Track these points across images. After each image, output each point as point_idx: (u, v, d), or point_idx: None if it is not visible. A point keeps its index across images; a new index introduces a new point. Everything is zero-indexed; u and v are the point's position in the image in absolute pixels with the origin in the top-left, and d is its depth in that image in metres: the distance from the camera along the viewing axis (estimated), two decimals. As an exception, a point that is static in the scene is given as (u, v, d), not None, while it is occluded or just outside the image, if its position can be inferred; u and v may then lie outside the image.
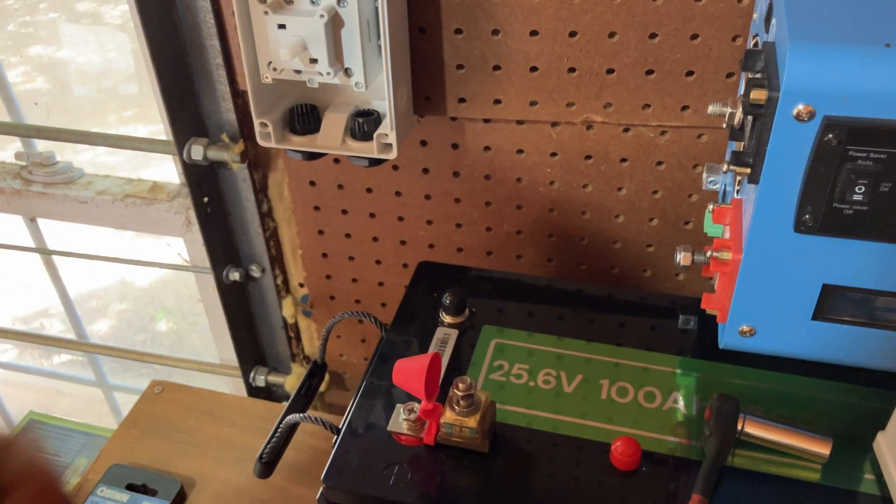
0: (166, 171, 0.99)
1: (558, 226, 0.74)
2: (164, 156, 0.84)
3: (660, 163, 0.68)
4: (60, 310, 1.20)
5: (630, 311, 0.60)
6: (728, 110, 0.46)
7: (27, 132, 0.84)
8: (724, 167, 0.46)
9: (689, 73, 0.62)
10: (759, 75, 0.41)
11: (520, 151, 0.70)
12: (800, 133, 0.40)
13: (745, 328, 0.50)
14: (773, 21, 0.44)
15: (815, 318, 0.48)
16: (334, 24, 0.58)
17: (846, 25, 0.41)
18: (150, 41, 0.66)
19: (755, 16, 0.54)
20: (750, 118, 0.44)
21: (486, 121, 0.69)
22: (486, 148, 0.71)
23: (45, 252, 1.04)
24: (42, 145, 0.94)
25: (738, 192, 0.51)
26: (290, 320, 0.90)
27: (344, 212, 0.79)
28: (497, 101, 0.67)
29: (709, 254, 0.48)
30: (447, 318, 0.59)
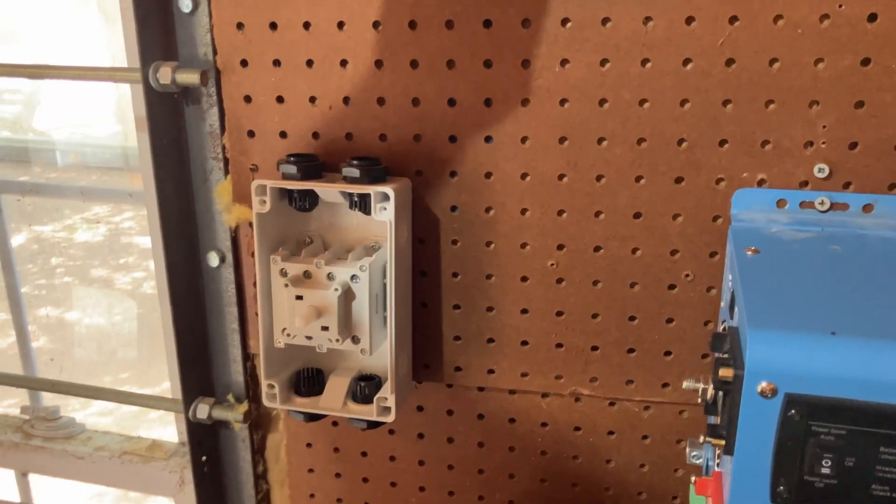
0: (156, 434, 1.01)
1: (550, 497, 0.75)
2: (153, 420, 0.87)
3: (645, 437, 0.71)
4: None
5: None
6: (701, 386, 0.50)
7: (42, 386, 0.88)
8: (702, 439, 0.49)
9: (668, 353, 0.67)
10: (726, 355, 0.47)
11: (511, 420, 0.74)
12: (765, 408, 0.44)
13: None
14: (736, 309, 0.51)
15: None
16: (346, 296, 0.64)
17: (798, 313, 0.47)
18: (175, 308, 0.72)
19: (722, 304, 0.60)
20: (721, 394, 0.49)
21: (481, 389, 0.73)
22: (480, 416, 0.74)
23: (26, 510, 1.02)
24: (46, 400, 0.97)
25: (717, 464, 0.54)
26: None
27: (337, 475, 0.80)
28: (491, 371, 0.71)
29: (694, 525, 0.50)
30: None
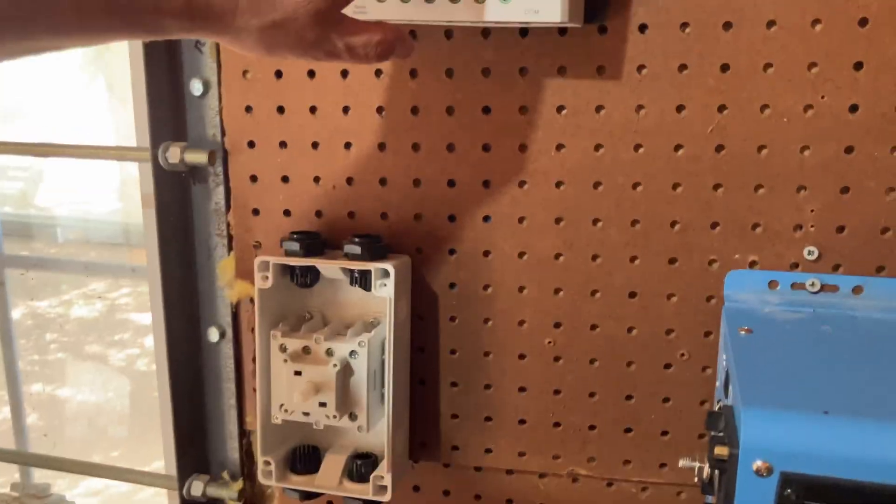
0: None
1: (546, 581, 0.74)
2: (142, 502, 0.85)
3: (643, 518, 0.71)
4: None
5: None
6: (697, 465, 0.50)
7: (35, 462, 0.87)
8: (700, 518, 0.49)
9: (664, 433, 0.68)
10: (721, 434, 0.47)
11: (509, 501, 0.73)
12: (761, 487, 0.44)
13: None
14: (731, 388, 0.51)
15: None
16: (345, 372, 0.65)
17: (792, 393, 0.48)
18: (174, 383, 0.72)
19: (717, 383, 0.61)
20: (717, 473, 0.49)
21: (478, 469, 0.73)
22: (477, 496, 0.74)
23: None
24: (38, 478, 0.96)
25: (717, 546, 0.54)
26: None
27: (331, 557, 0.79)
28: (488, 451, 0.71)
29: None
30: None
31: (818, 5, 0.57)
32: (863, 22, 0.56)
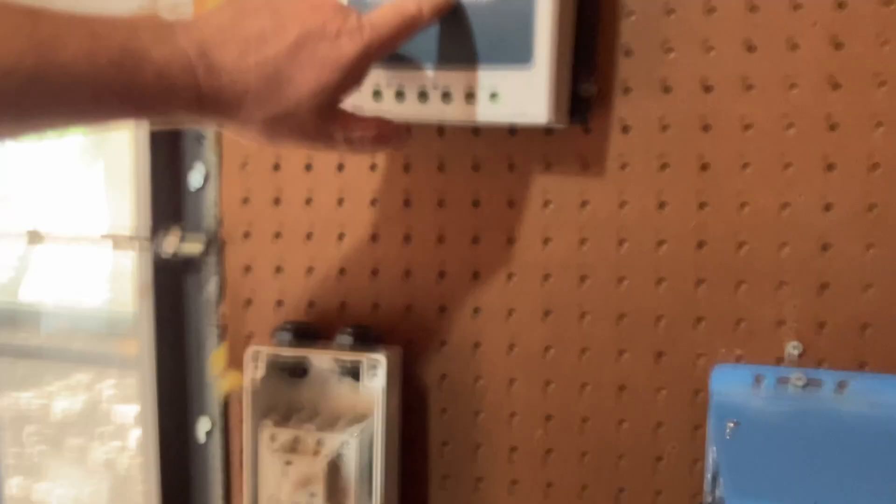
0: None
1: None
2: None
3: None
4: None
5: None
6: (688, 560, 0.50)
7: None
8: None
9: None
10: (711, 528, 0.47)
11: None
12: (753, 583, 0.44)
13: None
14: (720, 481, 0.52)
15: None
16: (334, 466, 0.64)
17: (779, 488, 0.48)
18: (162, 477, 0.72)
19: (707, 478, 0.61)
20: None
21: (467, 565, 0.71)
22: None
23: None
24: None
25: None
26: None
27: None
28: (477, 545, 0.70)
29: None
30: None
31: (790, 109, 0.60)
32: (833, 126, 0.59)
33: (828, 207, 0.60)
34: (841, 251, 0.60)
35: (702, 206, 0.62)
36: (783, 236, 0.61)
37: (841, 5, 0.58)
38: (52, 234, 0.80)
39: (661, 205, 0.63)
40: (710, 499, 0.56)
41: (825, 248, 0.60)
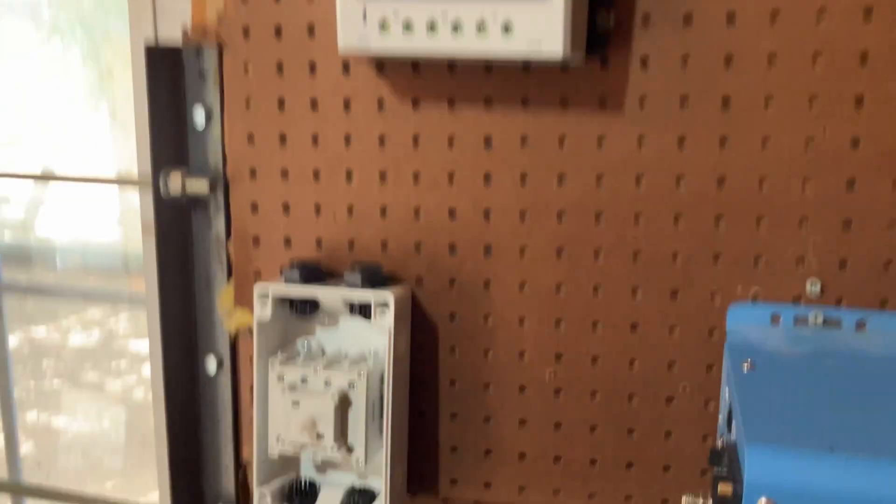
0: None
1: None
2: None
3: (645, 556, 0.69)
4: None
5: None
6: (700, 501, 0.50)
7: (26, 492, 0.86)
8: (703, 557, 0.48)
9: (666, 468, 0.67)
10: (724, 470, 0.46)
11: (508, 536, 0.72)
12: (767, 525, 0.44)
13: None
14: (734, 423, 0.51)
15: None
16: (343, 404, 0.64)
17: (796, 429, 0.47)
18: (170, 413, 0.72)
19: (720, 418, 0.60)
20: (722, 510, 0.48)
21: (476, 503, 0.72)
22: (475, 531, 0.72)
23: None
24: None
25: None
26: None
27: (327, 593, 0.77)
28: (487, 485, 0.70)
29: None
30: None
31: (819, 39, 0.57)
32: (863, 57, 0.56)
33: (855, 143, 0.58)
34: (867, 187, 0.58)
35: (723, 141, 0.60)
36: (807, 172, 0.59)
37: (877, -74, 0.54)
38: (63, 174, 0.79)
39: (681, 141, 0.61)
40: (722, 440, 0.56)
41: (851, 184, 0.58)
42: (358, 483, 0.69)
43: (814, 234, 0.60)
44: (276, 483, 0.68)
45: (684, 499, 0.51)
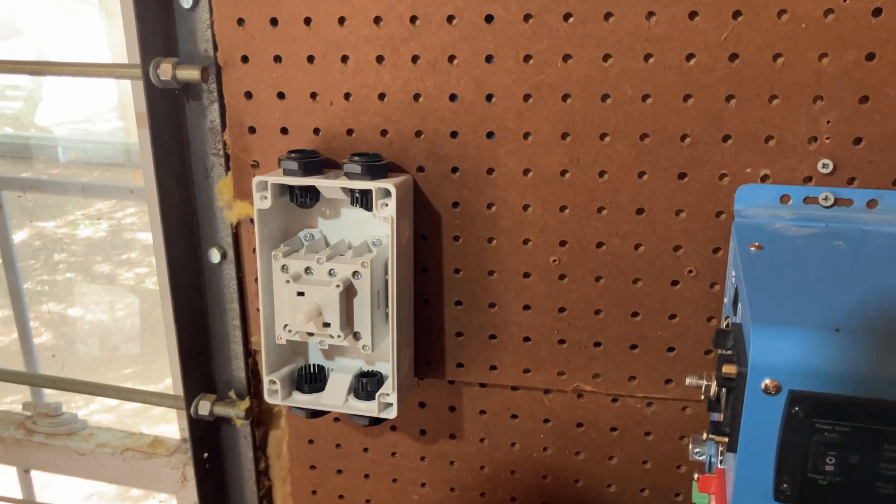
0: (158, 431, 1.01)
1: (552, 494, 0.75)
2: (156, 417, 0.86)
3: (648, 433, 0.71)
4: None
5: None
6: (704, 383, 0.50)
7: (43, 382, 0.88)
8: (705, 436, 0.49)
9: (671, 349, 0.67)
10: (729, 352, 0.46)
11: (514, 416, 0.73)
12: (769, 405, 0.44)
13: None
14: (739, 305, 0.50)
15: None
16: (348, 293, 0.64)
17: (802, 310, 0.46)
18: (176, 304, 0.72)
19: (725, 300, 0.60)
20: (724, 391, 0.48)
21: (482, 385, 0.73)
22: (482, 412, 0.74)
23: (29, 506, 1.02)
24: (48, 397, 0.97)
25: (721, 461, 0.54)
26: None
27: (339, 472, 0.80)
28: (493, 368, 0.71)
29: (697, 522, 0.50)
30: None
31: None
32: (891, -83, 0.52)
33: (877, 12, 0.54)
34: (888, 61, 0.55)
35: (736, 14, 0.57)
36: (825, 45, 0.56)
37: None
38: (52, 64, 0.76)
39: (692, 14, 0.58)
40: (727, 323, 0.55)
41: (870, 57, 0.55)
42: (366, 367, 0.70)
43: (828, 111, 0.58)
44: (286, 370, 0.69)
45: (688, 380, 0.51)
